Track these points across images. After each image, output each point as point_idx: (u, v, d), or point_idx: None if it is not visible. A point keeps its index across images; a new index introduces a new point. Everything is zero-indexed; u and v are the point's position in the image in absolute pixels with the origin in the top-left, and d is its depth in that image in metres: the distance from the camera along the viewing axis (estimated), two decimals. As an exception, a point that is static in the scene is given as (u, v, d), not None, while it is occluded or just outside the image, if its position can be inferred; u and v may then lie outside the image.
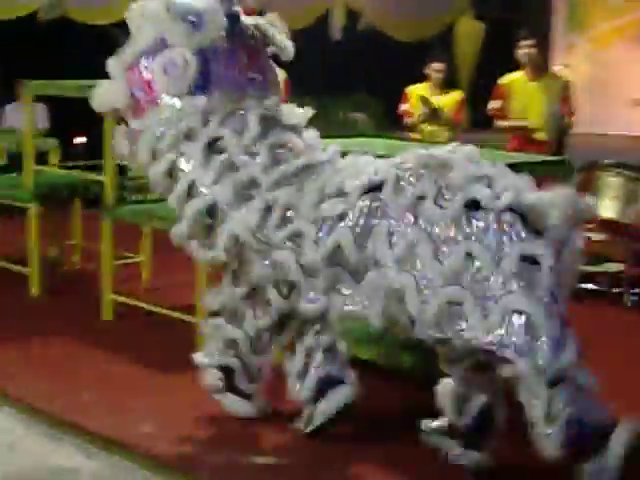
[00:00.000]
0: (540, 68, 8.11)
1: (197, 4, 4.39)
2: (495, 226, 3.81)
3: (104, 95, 4.51)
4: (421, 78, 9.02)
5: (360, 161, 4.31)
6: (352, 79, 12.16)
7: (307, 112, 4.59)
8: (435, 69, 8.94)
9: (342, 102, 12.46)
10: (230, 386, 4.80)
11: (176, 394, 5.16)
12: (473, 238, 3.82)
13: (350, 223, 4.06)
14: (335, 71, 11.99)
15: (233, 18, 4.46)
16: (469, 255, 3.80)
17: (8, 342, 5.98)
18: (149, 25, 4.39)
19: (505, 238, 3.80)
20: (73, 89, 6.67)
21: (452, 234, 3.85)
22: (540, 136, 7.94)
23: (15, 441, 4.71)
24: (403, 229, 3.94)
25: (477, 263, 3.79)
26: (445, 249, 3.85)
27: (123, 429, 4.74)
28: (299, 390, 4.67)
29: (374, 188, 4.07)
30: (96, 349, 5.89)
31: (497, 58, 9.33)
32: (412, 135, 8.77)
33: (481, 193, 3.85)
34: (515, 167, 4.14)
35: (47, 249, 7.72)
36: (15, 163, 7.28)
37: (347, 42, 12.02)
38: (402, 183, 3.99)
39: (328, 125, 10.85)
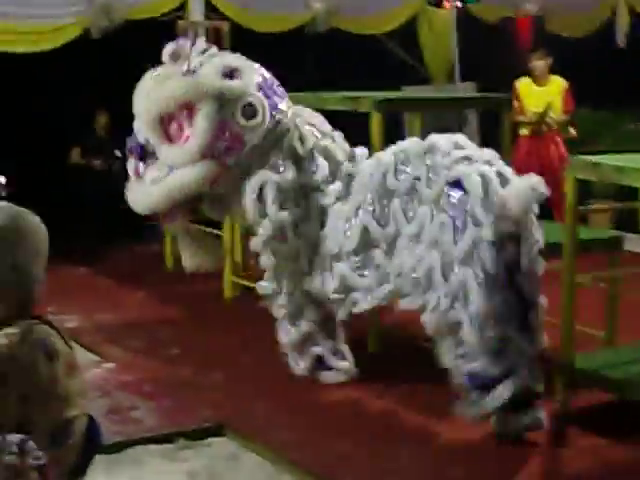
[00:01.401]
0: None
1: (228, 61, 5.29)
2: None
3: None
4: None
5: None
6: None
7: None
8: None
9: (629, 113, 11.56)
10: None
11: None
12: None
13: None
14: (620, 80, 11.13)
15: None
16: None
17: (266, 387, 5.57)
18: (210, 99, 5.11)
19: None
20: (335, 101, 6.41)
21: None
22: None
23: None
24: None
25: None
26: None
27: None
28: None
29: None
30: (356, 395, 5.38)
31: None
32: None
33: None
34: None
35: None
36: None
37: (633, 48, 11.18)
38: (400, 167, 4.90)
39: (616, 139, 9.99)
